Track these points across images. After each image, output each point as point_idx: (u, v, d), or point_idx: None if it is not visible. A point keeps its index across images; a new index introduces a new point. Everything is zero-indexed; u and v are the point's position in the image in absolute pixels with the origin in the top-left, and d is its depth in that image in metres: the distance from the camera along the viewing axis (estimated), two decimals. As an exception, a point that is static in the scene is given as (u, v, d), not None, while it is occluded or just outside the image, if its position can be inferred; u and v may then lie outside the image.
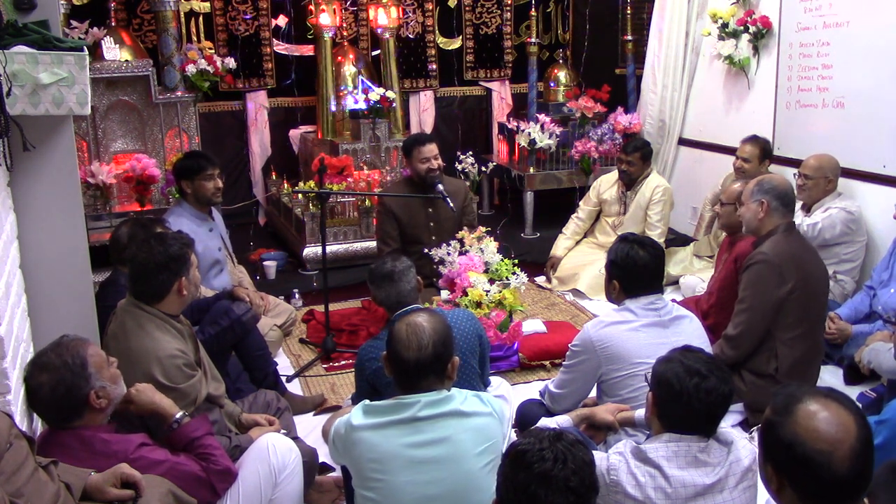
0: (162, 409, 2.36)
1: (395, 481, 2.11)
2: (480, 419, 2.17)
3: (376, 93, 5.82)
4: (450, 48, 7.09)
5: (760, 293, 3.30)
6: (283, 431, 2.83)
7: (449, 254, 4.23)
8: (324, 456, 3.19)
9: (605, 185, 5.49)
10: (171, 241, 2.65)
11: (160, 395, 2.39)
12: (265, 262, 5.38)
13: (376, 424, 2.14)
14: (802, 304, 3.32)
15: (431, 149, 4.53)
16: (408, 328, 2.16)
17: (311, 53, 6.45)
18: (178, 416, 2.38)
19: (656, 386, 2.09)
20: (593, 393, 2.97)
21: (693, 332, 2.82)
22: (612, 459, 2.06)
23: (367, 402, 2.21)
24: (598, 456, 2.07)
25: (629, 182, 5.29)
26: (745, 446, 2.08)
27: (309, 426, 3.53)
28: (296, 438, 2.94)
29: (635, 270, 2.81)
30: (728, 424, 2.23)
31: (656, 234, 5.18)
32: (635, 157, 5.22)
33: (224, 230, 4.27)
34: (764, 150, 4.83)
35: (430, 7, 6.93)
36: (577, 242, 5.57)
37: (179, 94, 5.44)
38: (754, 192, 3.41)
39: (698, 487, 1.98)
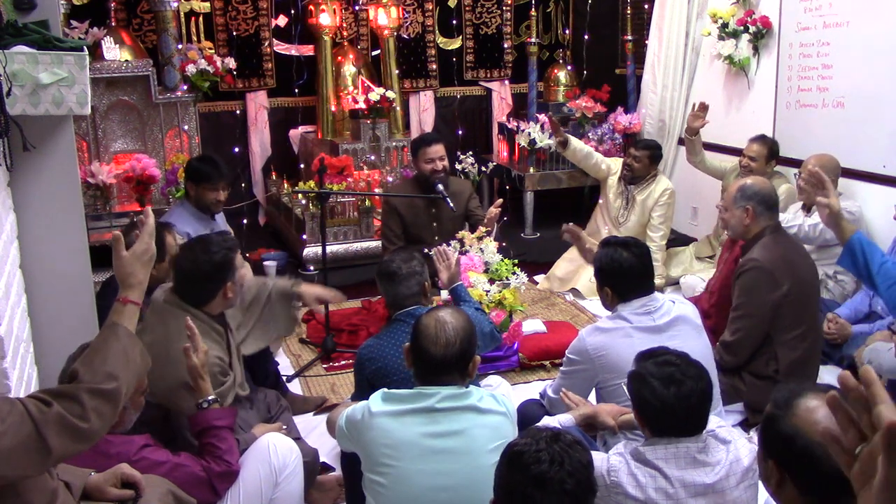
0: (201, 384, 2.41)
1: (407, 468, 2.12)
2: (495, 417, 2.18)
3: (376, 93, 5.82)
4: (450, 48, 7.09)
5: (756, 300, 3.31)
6: (284, 428, 2.84)
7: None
8: (325, 455, 3.19)
9: (615, 168, 5.45)
10: (215, 247, 2.63)
11: (206, 373, 2.44)
12: (265, 262, 5.37)
13: (395, 412, 2.15)
14: (798, 305, 3.33)
15: (437, 150, 4.53)
16: (436, 324, 2.17)
17: (311, 53, 6.45)
18: (209, 397, 2.41)
19: (638, 407, 2.09)
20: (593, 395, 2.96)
21: (691, 336, 2.78)
22: (613, 461, 2.06)
23: (385, 390, 2.23)
24: (599, 457, 2.07)
25: (630, 178, 5.27)
26: (744, 445, 2.08)
27: (309, 426, 3.53)
28: (297, 439, 2.94)
29: (622, 273, 2.77)
30: (728, 424, 2.23)
31: (659, 236, 5.19)
32: (644, 154, 5.21)
33: (226, 229, 4.26)
34: (771, 150, 4.82)
35: (430, 7, 6.93)
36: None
37: (179, 94, 5.43)
38: (737, 198, 3.42)
39: (699, 487, 1.98)
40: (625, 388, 2.54)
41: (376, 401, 2.19)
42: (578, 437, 1.86)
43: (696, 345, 2.68)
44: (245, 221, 6.13)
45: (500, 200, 4.49)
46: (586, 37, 7.11)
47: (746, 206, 3.39)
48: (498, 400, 2.23)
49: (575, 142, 5.41)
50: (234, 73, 6.01)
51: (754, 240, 3.41)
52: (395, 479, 2.13)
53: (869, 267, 2.82)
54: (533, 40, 6.56)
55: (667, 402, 2.00)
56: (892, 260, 2.91)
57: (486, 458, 2.12)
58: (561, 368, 2.95)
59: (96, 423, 1.61)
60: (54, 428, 1.55)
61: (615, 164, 5.46)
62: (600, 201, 5.59)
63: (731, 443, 2.05)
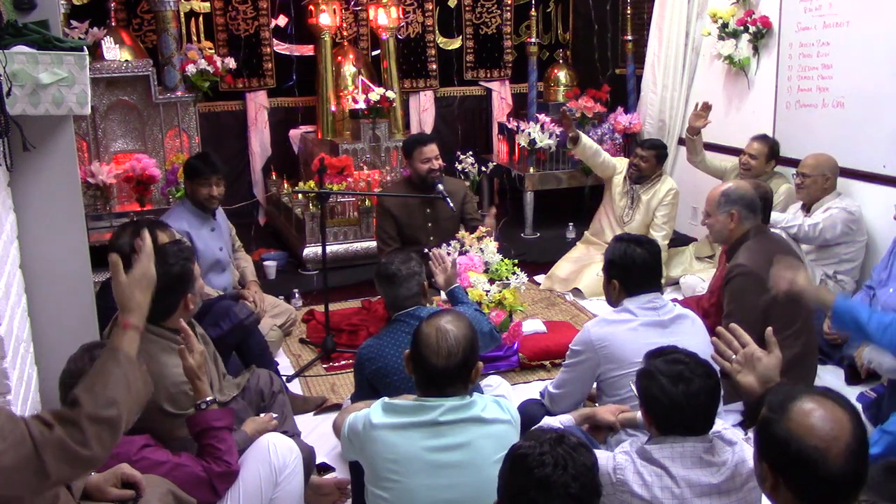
0: (199, 385, 2.39)
1: (411, 483, 2.09)
2: (500, 426, 2.15)
3: (376, 93, 5.82)
4: (450, 48, 7.09)
5: (745, 304, 3.30)
6: (275, 416, 2.83)
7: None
8: (323, 455, 3.19)
9: (620, 168, 5.45)
10: (171, 259, 2.57)
11: (203, 374, 2.41)
12: (265, 262, 5.38)
13: (396, 425, 2.12)
14: (789, 304, 3.31)
15: (432, 149, 4.53)
16: (438, 334, 2.12)
17: (311, 53, 6.45)
18: (208, 399, 2.40)
19: (646, 404, 2.09)
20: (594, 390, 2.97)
21: (694, 333, 2.81)
22: (619, 459, 2.06)
23: (387, 399, 2.19)
24: (605, 455, 2.07)
25: (637, 178, 5.27)
26: (749, 447, 2.07)
27: (309, 426, 3.53)
28: (293, 435, 2.93)
29: (633, 268, 2.82)
30: (728, 424, 2.23)
31: (661, 236, 5.18)
32: (650, 154, 5.21)
33: (227, 227, 4.25)
34: (772, 150, 4.82)
35: (430, 7, 6.93)
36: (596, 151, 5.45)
37: (179, 94, 5.44)
38: (721, 203, 3.42)
39: (704, 487, 1.98)
40: (632, 385, 2.55)
41: (377, 411, 2.15)
42: (583, 439, 1.85)
43: (700, 342, 2.69)
44: (245, 221, 6.13)
45: (493, 210, 4.50)
46: (587, 37, 7.11)
47: (731, 211, 3.40)
48: (502, 406, 2.19)
49: (585, 139, 5.41)
50: (240, 71, 6.00)
51: (738, 243, 3.42)
52: (399, 495, 2.10)
53: (858, 322, 2.77)
54: (533, 40, 6.55)
55: (675, 399, 2.00)
56: (877, 312, 2.86)
57: (492, 470, 2.09)
58: (563, 363, 2.96)
59: (97, 449, 1.61)
60: (53, 452, 1.54)
61: (621, 164, 5.47)
62: (605, 200, 5.59)
63: (736, 444, 2.05)
